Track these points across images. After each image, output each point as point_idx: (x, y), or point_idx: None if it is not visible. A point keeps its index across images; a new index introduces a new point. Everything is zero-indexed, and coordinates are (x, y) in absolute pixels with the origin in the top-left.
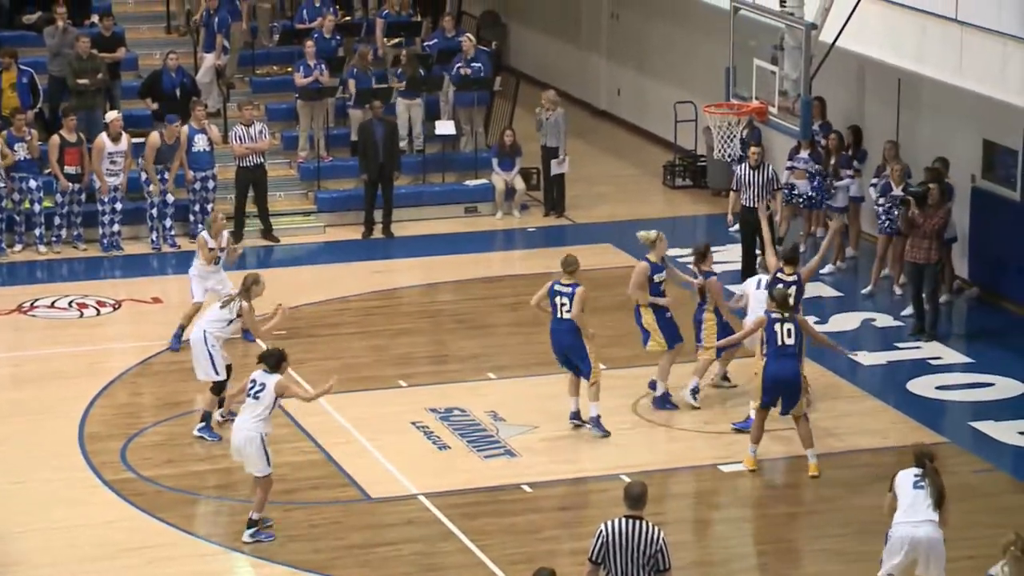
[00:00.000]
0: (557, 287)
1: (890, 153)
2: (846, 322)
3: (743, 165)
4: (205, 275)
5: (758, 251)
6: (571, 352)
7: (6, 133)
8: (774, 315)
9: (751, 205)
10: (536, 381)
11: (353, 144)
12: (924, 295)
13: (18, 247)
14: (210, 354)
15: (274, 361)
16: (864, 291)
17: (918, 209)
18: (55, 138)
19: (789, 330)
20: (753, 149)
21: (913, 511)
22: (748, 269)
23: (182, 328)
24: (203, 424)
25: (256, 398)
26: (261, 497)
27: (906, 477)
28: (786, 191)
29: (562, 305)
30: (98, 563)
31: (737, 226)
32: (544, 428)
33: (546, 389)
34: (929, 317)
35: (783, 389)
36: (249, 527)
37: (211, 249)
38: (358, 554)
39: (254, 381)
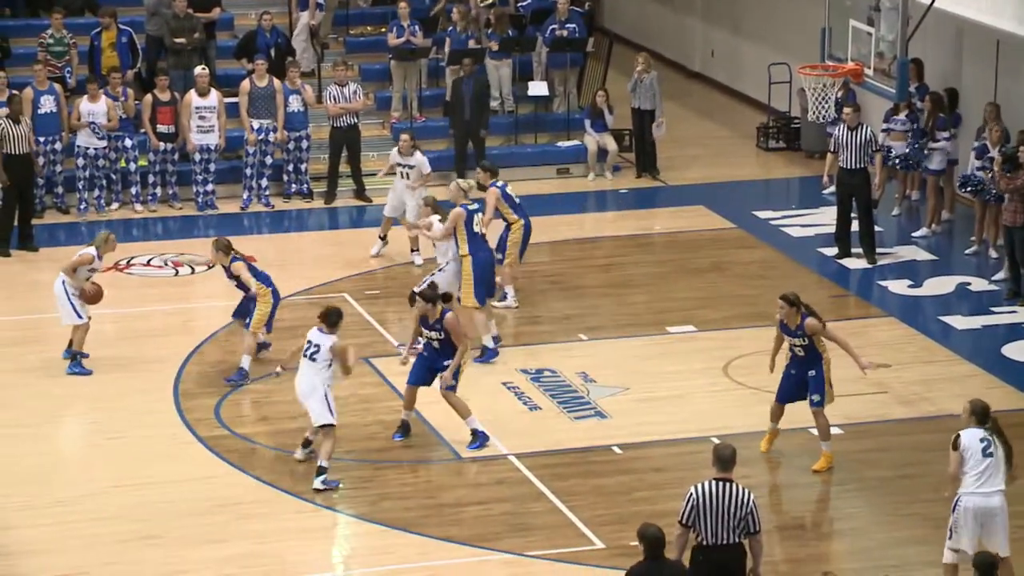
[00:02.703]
0: None
1: (991, 115)
2: (941, 286)
3: (841, 126)
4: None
5: (854, 215)
6: None
7: (103, 92)
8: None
9: (848, 167)
10: (628, 343)
11: (446, 104)
12: (1020, 258)
13: (115, 205)
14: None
15: (334, 319)
16: (968, 252)
17: (1008, 171)
18: (148, 97)
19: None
20: (847, 110)
21: (985, 481)
22: (844, 232)
23: (76, 354)
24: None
25: (312, 360)
26: (328, 447)
27: (973, 440)
28: (883, 153)
29: None
30: (191, 518)
31: (833, 188)
32: (635, 389)
33: (637, 351)
34: None
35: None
36: (319, 474)
37: (91, 270)
38: (448, 513)
39: (310, 342)
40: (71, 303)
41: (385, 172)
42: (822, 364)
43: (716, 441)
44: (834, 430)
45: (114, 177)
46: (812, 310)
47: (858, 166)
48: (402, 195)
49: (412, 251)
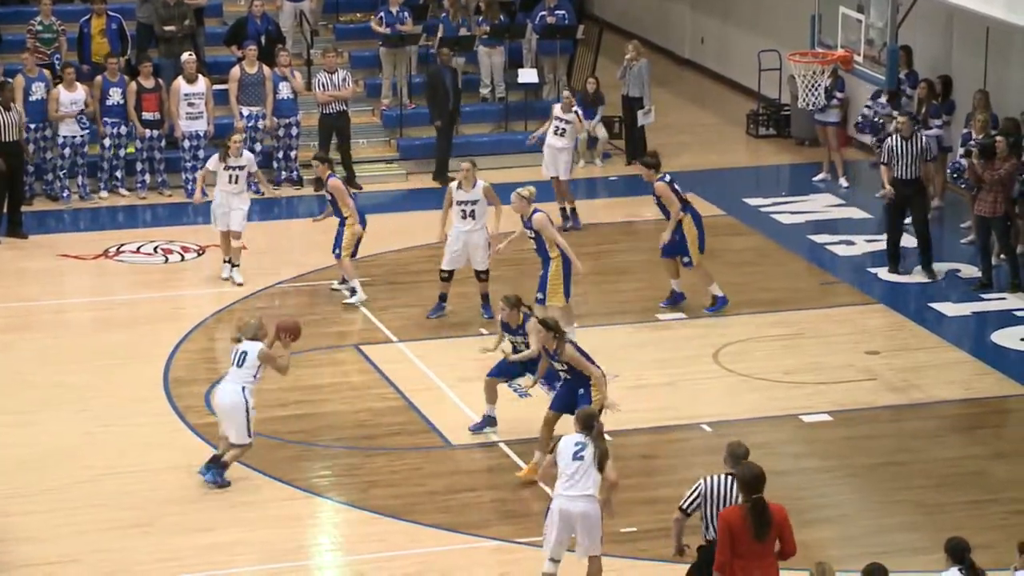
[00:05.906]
0: None
1: (980, 103)
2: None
3: (894, 136)
4: None
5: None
6: None
7: (100, 78)
8: None
9: (904, 177)
10: (618, 330)
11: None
12: (1000, 248)
13: (104, 193)
14: None
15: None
16: (964, 241)
17: (984, 160)
18: (132, 85)
19: None
20: (901, 120)
21: (573, 485)
22: (895, 246)
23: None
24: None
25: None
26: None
27: (568, 445)
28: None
29: None
30: (181, 505)
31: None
32: (625, 377)
33: (628, 338)
34: (1009, 269)
35: None
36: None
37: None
38: (438, 500)
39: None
40: (247, 418)
41: (202, 184)
42: (539, 361)
43: (706, 428)
44: (823, 417)
45: (106, 165)
46: (532, 311)
47: (913, 176)
48: (228, 200)
49: (226, 262)
